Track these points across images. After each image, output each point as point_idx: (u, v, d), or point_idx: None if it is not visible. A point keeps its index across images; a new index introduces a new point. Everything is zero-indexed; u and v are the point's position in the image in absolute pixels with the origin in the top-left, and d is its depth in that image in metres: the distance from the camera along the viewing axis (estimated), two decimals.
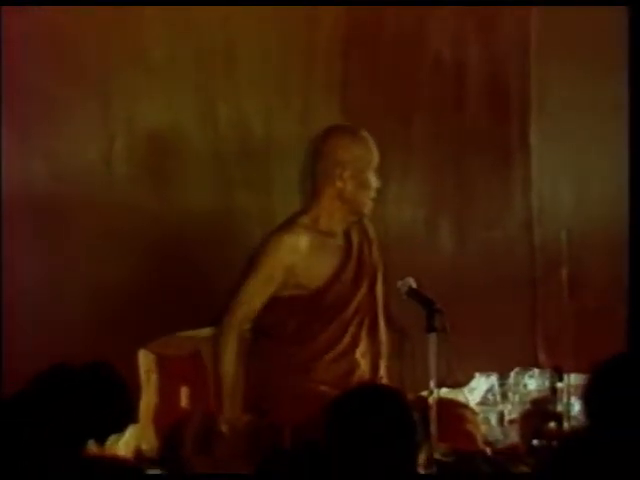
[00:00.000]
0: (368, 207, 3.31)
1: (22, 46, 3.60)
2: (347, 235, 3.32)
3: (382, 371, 3.33)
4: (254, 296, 3.22)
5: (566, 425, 3.22)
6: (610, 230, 4.21)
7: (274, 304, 3.25)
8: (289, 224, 3.27)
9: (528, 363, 3.62)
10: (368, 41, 4.04)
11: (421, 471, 2.30)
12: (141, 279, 3.69)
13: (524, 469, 2.99)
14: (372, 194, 3.29)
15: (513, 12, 4.16)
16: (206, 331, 3.39)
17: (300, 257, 3.24)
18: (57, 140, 3.70)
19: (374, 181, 3.28)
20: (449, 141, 4.15)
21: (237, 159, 3.86)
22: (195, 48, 3.84)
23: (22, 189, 3.62)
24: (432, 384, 2.90)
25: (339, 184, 3.24)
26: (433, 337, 2.92)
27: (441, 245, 4.14)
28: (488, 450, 3.20)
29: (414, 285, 3.09)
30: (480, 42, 4.15)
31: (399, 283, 3.12)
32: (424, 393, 2.91)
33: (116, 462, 2.11)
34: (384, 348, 3.34)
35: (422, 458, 2.30)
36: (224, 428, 3.21)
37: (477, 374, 3.62)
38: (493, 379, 3.58)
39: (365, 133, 3.33)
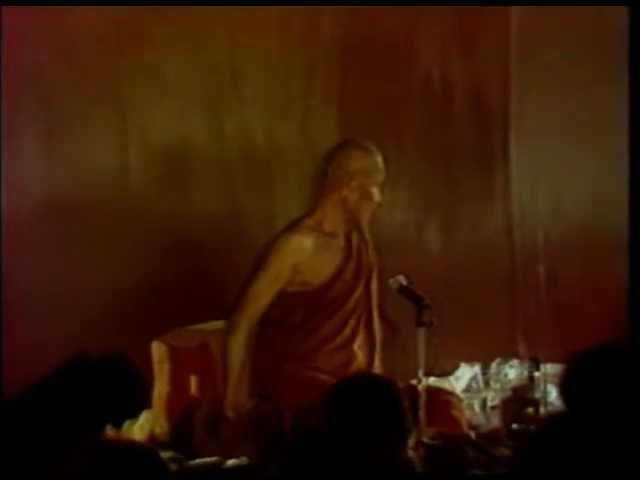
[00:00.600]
0: (366, 217, 3.29)
1: (45, 64, 3.61)
2: (348, 237, 3.30)
3: (377, 362, 3.31)
4: (263, 293, 3.20)
5: (543, 410, 3.21)
6: (583, 232, 4.22)
7: (280, 298, 3.22)
8: (295, 226, 3.24)
9: (508, 354, 3.62)
10: (363, 60, 4.03)
11: (410, 453, 2.27)
12: (154, 276, 3.67)
13: (505, 451, 2.99)
14: (373, 206, 3.27)
15: (495, 36, 4.17)
16: (214, 324, 3.39)
17: (305, 256, 3.21)
18: (77, 149, 3.69)
19: (377, 195, 3.25)
20: (437, 152, 4.16)
21: (241, 166, 3.85)
22: (204, 66, 3.84)
23: (46, 194, 3.62)
24: (421, 373, 2.91)
25: (345, 192, 3.21)
26: (422, 330, 2.92)
27: (429, 246, 4.14)
28: (472, 434, 3.19)
29: (405, 283, 3.09)
30: (465, 63, 4.16)
31: (391, 281, 3.12)
32: (414, 381, 2.91)
33: (132, 444, 2.11)
34: (378, 341, 3.32)
35: (411, 441, 2.29)
36: (230, 413, 3.19)
37: (462, 364, 3.64)
38: (476, 369, 3.59)
39: (377, 152, 3.30)
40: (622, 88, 4.19)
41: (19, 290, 3.45)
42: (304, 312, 3.24)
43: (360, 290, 3.29)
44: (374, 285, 3.33)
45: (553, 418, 2.21)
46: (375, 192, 3.25)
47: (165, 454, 2.98)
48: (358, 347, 3.28)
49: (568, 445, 1.60)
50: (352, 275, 3.27)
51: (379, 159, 3.28)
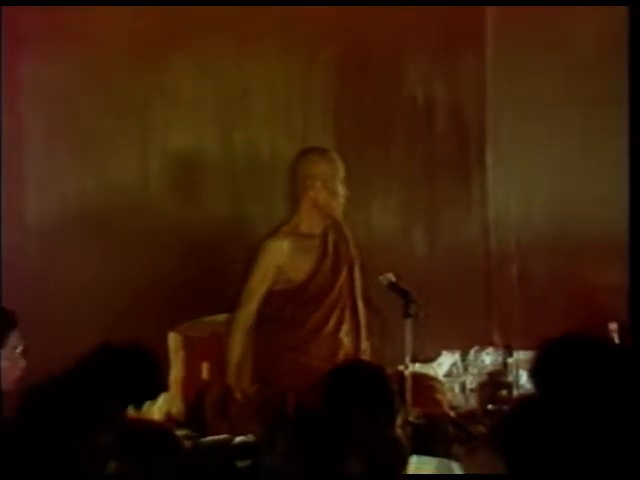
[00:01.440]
0: (339, 211, 3.29)
1: (77, 88, 3.63)
2: (324, 236, 3.30)
3: (364, 347, 3.32)
4: (254, 292, 3.23)
5: (515, 392, 3.24)
6: (551, 236, 4.22)
7: (270, 296, 3.25)
8: (273, 233, 3.27)
9: (485, 343, 3.61)
10: (356, 81, 4.03)
11: (398, 431, 2.27)
12: (170, 274, 3.68)
13: (481, 429, 3.01)
14: (341, 200, 3.26)
15: (473, 60, 4.16)
16: (223, 317, 3.39)
17: (285, 257, 3.24)
18: (105, 162, 3.72)
19: (342, 190, 3.26)
20: (421, 163, 4.16)
21: (248, 176, 3.87)
22: (215, 88, 3.86)
23: (78, 201, 3.65)
24: (407, 360, 2.92)
25: (312, 193, 3.23)
26: (408, 322, 2.94)
27: (415, 247, 4.13)
28: (452, 413, 3.21)
29: (393, 279, 3.09)
30: (446, 84, 4.17)
31: (380, 278, 3.12)
32: (401, 367, 2.92)
33: (151, 423, 2.11)
34: (364, 329, 3.32)
35: (399, 420, 2.28)
36: (238, 396, 3.21)
37: (443, 352, 3.62)
38: (456, 356, 3.57)
39: (332, 152, 3.33)
40: (587, 107, 4.21)
41: (55, 285, 3.46)
42: (292, 307, 3.26)
43: (342, 283, 3.30)
44: (357, 277, 3.33)
45: (524, 399, 2.22)
46: (339, 187, 3.25)
47: (180, 432, 2.97)
48: (345, 335, 3.29)
49: (538, 423, 1.60)
50: (330, 270, 3.28)
51: (335, 157, 3.28)
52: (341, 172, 3.26)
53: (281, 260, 3.23)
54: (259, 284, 3.23)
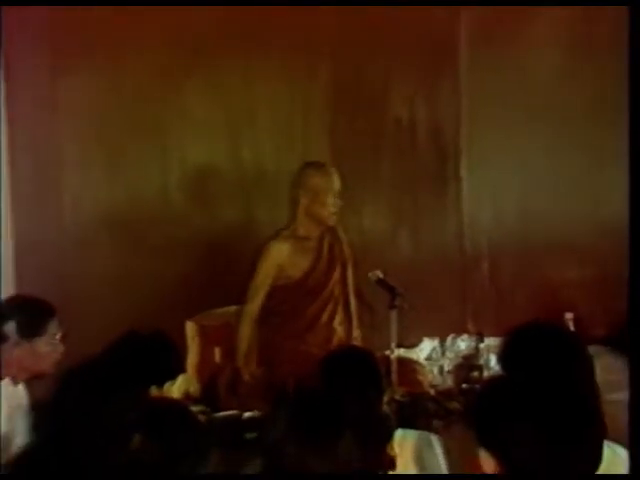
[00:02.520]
0: (330, 220, 3.25)
1: (105, 110, 3.64)
2: (320, 239, 3.29)
3: (355, 335, 3.32)
4: (259, 287, 3.22)
5: (485, 374, 3.24)
6: (517, 237, 4.24)
7: (273, 291, 3.24)
8: (275, 236, 3.26)
9: (460, 330, 3.61)
10: (350, 103, 4.04)
11: (385, 407, 2.27)
12: (187, 272, 3.69)
13: (457, 405, 3.01)
14: (332, 209, 3.23)
15: (449, 86, 4.18)
16: (233, 308, 3.39)
17: (285, 257, 3.23)
18: (130, 174, 3.72)
19: (332, 201, 3.22)
20: (406, 175, 4.16)
21: (255, 186, 3.87)
22: (225, 108, 3.85)
23: (107, 209, 3.67)
24: (393, 346, 2.91)
25: (306, 202, 3.21)
26: (394, 313, 2.93)
27: (401, 247, 4.14)
28: (432, 392, 3.20)
29: (381, 275, 3.09)
30: (426, 107, 4.18)
31: (370, 274, 3.12)
32: (387, 352, 2.92)
33: (170, 401, 2.12)
34: (355, 319, 3.33)
35: (386, 398, 2.29)
36: (246, 377, 3.22)
37: (424, 338, 3.63)
38: (436, 342, 3.59)
39: (329, 166, 3.30)
40: (552, 124, 4.22)
41: (88, 282, 3.47)
42: (292, 301, 3.26)
43: (335, 279, 3.29)
44: (349, 275, 3.33)
45: (493, 379, 2.23)
46: (330, 199, 3.22)
47: (196, 408, 2.97)
48: (338, 324, 3.29)
49: (504, 400, 1.61)
50: (325, 268, 3.28)
51: (330, 172, 3.25)
52: (336, 185, 3.24)
53: (282, 260, 3.23)
54: (263, 281, 3.22)
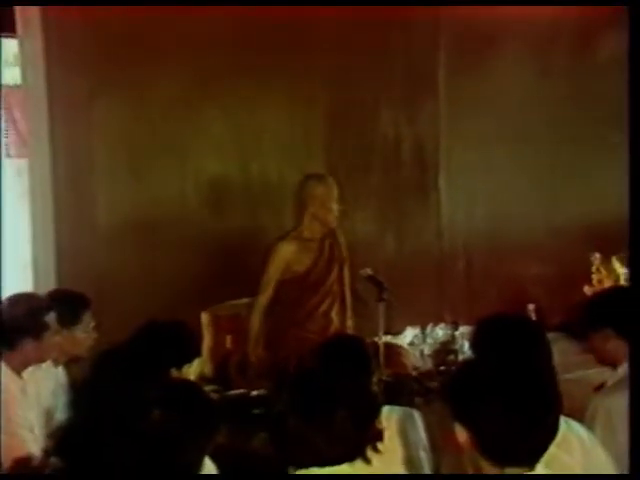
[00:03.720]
0: (334, 222, 3.26)
1: (132, 127, 3.63)
2: (322, 240, 3.28)
3: (349, 323, 3.31)
4: (269, 281, 3.22)
5: (460, 357, 3.24)
6: (488, 239, 4.26)
7: (281, 285, 3.23)
8: (284, 237, 3.26)
9: (438, 320, 3.62)
10: (344, 123, 4.05)
11: (374, 387, 2.27)
12: (202, 269, 3.68)
13: (435, 384, 3.00)
14: (335, 214, 3.23)
15: (430, 108, 4.20)
16: (243, 301, 3.39)
17: (291, 255, 3.22)
18: (153, 183, 3.71)
19: (335, 206, 3.23)
20: (392, 186, 4.17)
21: (261, 195, 3.87)
22: (236, 126, 3.85)
23: (132, 214, 3.65)
24: (380, 333, 2.92)
25: (312, 209, 3.21)
26: (382, 305, 2.94)
27: (387, 248, 4.15)
28: (414, 373, 3.20)
29: (370, 272, 3.09)
30: (410, 126, 4.19)
31: (361, 271, 3.12)
32: (376, 339, 2.91)
33: (187, 381, 2.12)
34: (349, 310, 3.32)
35: (374, 379, 2.27)
36: (254, 360, 3.21)
37: (408, 327, 3.64)
38: (417, 330, 3.59)
39: (328, 177, 3.29)
40: (517, 143, 4.26)
41: (116, 277, 3.47)
42: (296, 293, 3.25)
43: (334, 276, 3.28)
44: (346, 273, 3.32)
45: (466, 362, 2.24)
46: (333, 204, 3.22)
47: (210, 387, 2.98)
48: (335, 314, 3.28)
49: (476, 379, 1.62)
50: (325, 265, 3.27)
51: (330, 182, 3.25)
52: (335, 192, 3.24)
53: (289, 257, 3.22)
54: (273, 276, 3.22)
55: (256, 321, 3.23)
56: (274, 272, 3.21)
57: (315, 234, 3.26)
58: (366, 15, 3.84)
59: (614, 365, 2.34)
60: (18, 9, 3.35)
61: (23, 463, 1.66)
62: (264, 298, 3.22)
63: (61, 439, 1.72)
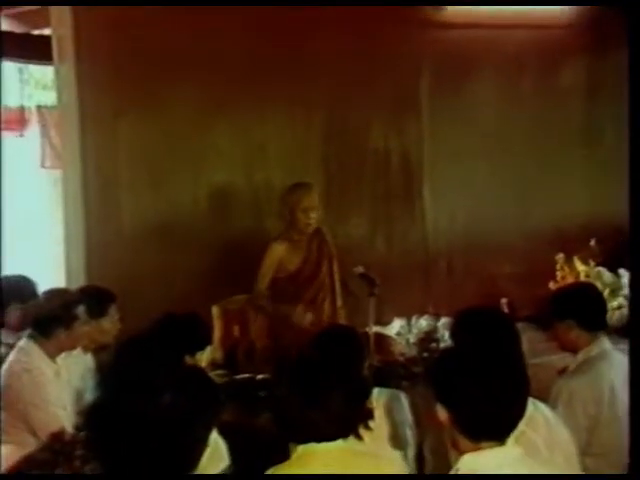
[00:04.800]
0: (310, 228, 3.18)
1: (152, 142, 3.62)
2: (309, 240, 3.24)
3: (342, 316, 3.28)
4: (263, 277, 3.20)
5: (441, 345, 3.23)
6: (468, 240, 4.26)
7: (276, 282, 3.22)
8: (276, 238, 3.23)
9: (422, 312, 3.59)
10: (339, 139, 4.02)
11: (366, 371, 2.27)
12: (213, 268, 3.65)
13: (420, 369, 3.00)
14: (313, 216, 3.15)
15: (414, 124, 4.20)
16: (247, 296, 3.35)
17: (283, 253, 3.20)
18: (170, 191, 3.68)
19: (314, 213, 3.16)
20: (382, 194, 4.15)
21: (264, 202, 3.83)
22: (243, 142, 3.82)
23: (152, 217, 3.62)
24: (371, 324, 2.91)
25: (296, 213, 3.16)
26: (372, 299, 2.93)
27: (378, 249, 4.12)
28: (401, 359, 3.19)
29: (362, 270, 3.07)
30: (397, 140, 4.18)
31: (354, 269, 3.10)
32: (367, 329, 2.91)
33: (198, 368, 2.12)
34: (339, 303, 3.28)
35: (366, 364, 2.28)
36: (259, 346, 3.21)
37: (395, 318, 3.61)
38: (404, 321, 3.56)
39: (309, 184, 3.21)
40: (493, 157, 4.29)
41: (137, 274, 3.45)
42: (292, 288, 3.22)
43: (324, 272, 3.24)
44: (335, 269, 3.29)
45: (447, 350, 2.25)
46: (312, 212, 3.14)
47: (219, 372, 3.01)
48: (328, 306, 3.25)
49: (455, 365, 1.62)
50: (315, 261, 3.23)
51: (310, 189, 3.17)
52: (313, 201, 3.16)
53: (281, 255, 3.19)
54: (267, 271, 3.18)
55: (260, 290, 3.17)
56: (268, 268, 3.18)
57: (302, 235, 3.21)
58: (358, 45, 3.86)
59: (575, 351, 2.37)
60: (54, 40, 3.39)
61: (57, 437, 1.66)
62: (261, 286, 3.19)
63: (89, 415, 1.72)
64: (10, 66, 4.20)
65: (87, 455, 1.21)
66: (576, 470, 1.90)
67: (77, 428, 1.83)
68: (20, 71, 4.27)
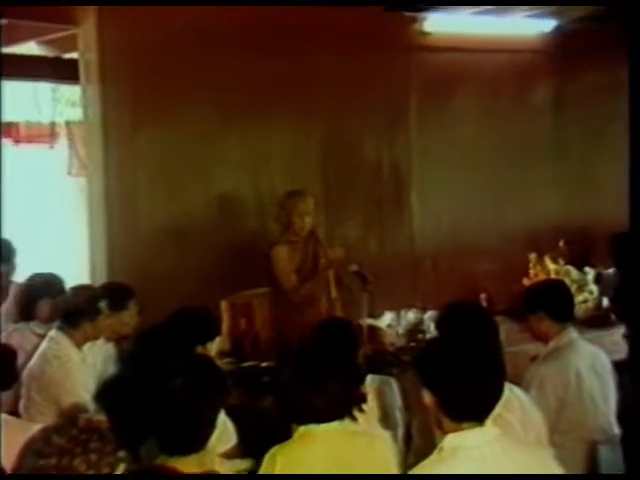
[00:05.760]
0: (304, 231, 3.14)
1: (166, 158, 3.61)
2: (305, 242, 3.19)
3: (338, 309, 3.24)
4: (287, 275, 3.07)
5: (427, 336, 3.23)
6: (451, 242, 4.27)
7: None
8: (276, 242, 3.17)
9: (410, 306, 3.59)
10: (336, 150, 4.02)
11: (360, 359, 2.26)
12: (221, 267, 3.62)
13: (408, 358, 2.99)
14: (308, 220, 3.11)
15: (403, 137, 4.20)
16: (254, 291, 3.36)
17: (286, 254, 3.14)
18: (183, 197, 3.66)
19: (308, 217, 3.12)
20: (374, 199, 4.15)
21: (269, 208, 3.77)
22: (250, 153, 3.82)
23: (165, 222, 3.61)
24: (364, 317, 2.91)
25: (285, 218, 3.13)
26: (366, 295, 2.93)
27: (370, 249, 4.11)
28: (391, 348, 3.19)
29: (356, 268, 3.06)
30: (388, 151, 4.18)
31: (349, 267, 3.09)
32: (361, 321, 2.90)
33: (206, 356, 2.12)
34: (335, 297, 3.23)
35: (360, 353, 2.28)
36: (263, 337, 3.20)
37: (386, 311, 3.60)
38: (393, 314, 3.56)
39: (304, 191, 3.18)
40: (471, 167, 4.33)
41: (152, 272, 3.42)
42: (294, 284, 3.16)
43: (321, 269, 3.18)
44: (327, 268, 3.22)
45: (432, 340, 2.26)
46: (306, 217, 3.11)
47: (228, 360, 3.00)
48: (324, 301, 3.21)
49: (439, 353, 1.62)
50: (312, 261, 3.18)
51: (305, 196, 3.14)
52: (308, 206, 3.13)
53: (285, 256, 3.15)
54: (284, 269, 3.10)
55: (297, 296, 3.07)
56: (283, 266, 3.11)
57: (298, 237, 3.18)
58: (353, 67, 3.87)
59: (546, 341, 2.39)
60: (82, 63, 3.44)
61: (74, 422, 1.65)
62: (290, 284, 3.09)
63: (101, 390, 1.72)
64: (44, 86, 4.23)
65: (103, 448, 1.19)
66: (545, 446, 1.91)
67: (97, 410, 1.81)
68: (53, 90, 4.32)
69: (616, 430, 2.20)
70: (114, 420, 1.59)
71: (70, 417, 1.61)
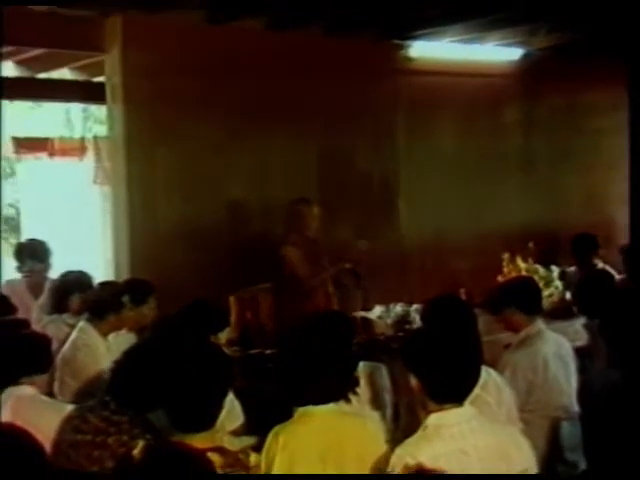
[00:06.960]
0: (312, 232, 3.19)
1: (182, 163, 3.59)
2: (307, 243, 3.22)
3: (335, 302, 3.24)
4: (303, 267, 3.10)
5: (413, 326, 3.21)
6: (435, 243, 4.28)
7: (285, 276, 3.18)
8: (285, 243, 3.19)
9: (398, 300, 3.56)
10: (331, 163, 4.01)
11: (355, 347, 2.23)
12: (230, 265, 3.59)
13: (396, 345, 2.96)
14: (314, 225, 3.17)
15: (391, 149, 4.21)
16: (259, 286, 3.35)
17: (294, 253, 3.17)
18: (196, 202, 3.64)
19: (312, 222, 3.18)
20: (366, 205, 4.14)
21: (272, 212, 3.75)
22: (255, 164, 3.80)
23: (182, 224, 3.57)
24: (358, 310, 2.96)
25: (293, 222, 3.17)
26: (359, 291, 2.98)
27: (362, 249, 4.10)
28: (381, 338, 3.18)
29: (350, 266, 3.09)
30: (377, 161, 4.18)
31: (345, 265, 3.10)
32: (355, 314, 2.92)
33: (217, 345, 2.09)
34: (331, 292, 3.24)
35: (355, 341, 2.24)
36: (268, 327, 3.20)
37: (377, 305, 3.57)
38: (383, 307, 3.52)
39: (309, 200, 3.23)
40: (455, 175, 4.35)
41: (171, 269, 3.40)
42: (296, 280, 3.17)
43: (320, 267, 3.20)
44: (326, 264, 3.25)
45: (418, 330, 2.25)
46: (310, 221, 3.15)
47: (235, 348, 2.97)
48: (322, 296, 3.21)
49: (424, 342, 1.62)
50: (312, 260, 3.20)
51: (311, 204, 3.18)
52: (313, 213, 3.19)
53: (291, 254, 3.17)
54: (299, 264, 3.13)
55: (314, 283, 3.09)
56: (297, 262, 3.13)
57: (301, 240, 3.20)
58: (347, 89, 3.88)
59: (517, 331, 2.39)
60: (108, 86, 3.47)
61: (105, 403, 1.62)
62: (306, 275, 3.09)
63: (112, 377, 1.69)
64: (76, 106, 4.33)
65: (132, 430, 1.16)
66: (515, 422, 1.91)
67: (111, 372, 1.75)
68: (83, 110, 4.40)
69: (576, 408, 2.20)
70: (131, 399, 1.55)
71: (100, 400, 1.58)
